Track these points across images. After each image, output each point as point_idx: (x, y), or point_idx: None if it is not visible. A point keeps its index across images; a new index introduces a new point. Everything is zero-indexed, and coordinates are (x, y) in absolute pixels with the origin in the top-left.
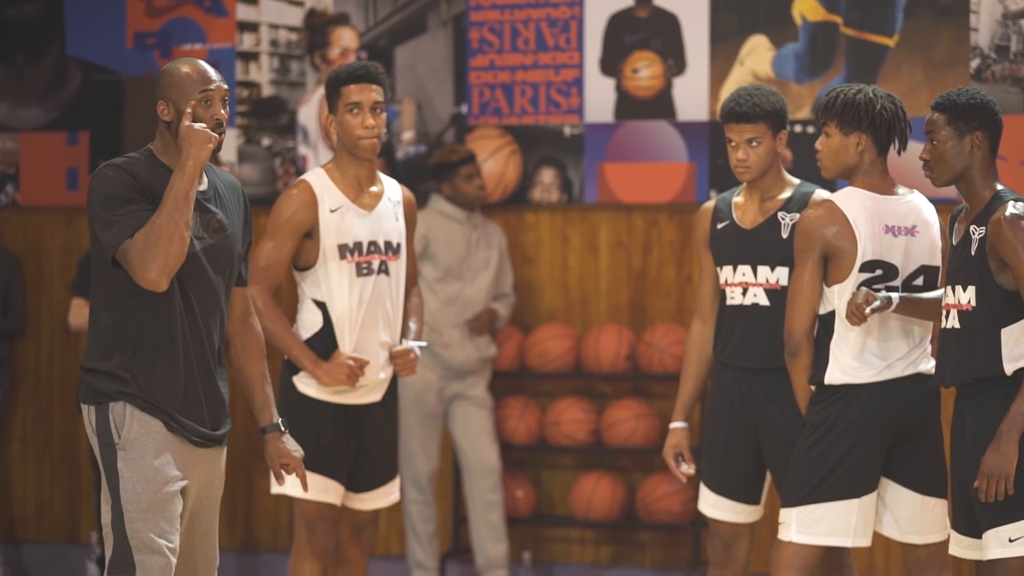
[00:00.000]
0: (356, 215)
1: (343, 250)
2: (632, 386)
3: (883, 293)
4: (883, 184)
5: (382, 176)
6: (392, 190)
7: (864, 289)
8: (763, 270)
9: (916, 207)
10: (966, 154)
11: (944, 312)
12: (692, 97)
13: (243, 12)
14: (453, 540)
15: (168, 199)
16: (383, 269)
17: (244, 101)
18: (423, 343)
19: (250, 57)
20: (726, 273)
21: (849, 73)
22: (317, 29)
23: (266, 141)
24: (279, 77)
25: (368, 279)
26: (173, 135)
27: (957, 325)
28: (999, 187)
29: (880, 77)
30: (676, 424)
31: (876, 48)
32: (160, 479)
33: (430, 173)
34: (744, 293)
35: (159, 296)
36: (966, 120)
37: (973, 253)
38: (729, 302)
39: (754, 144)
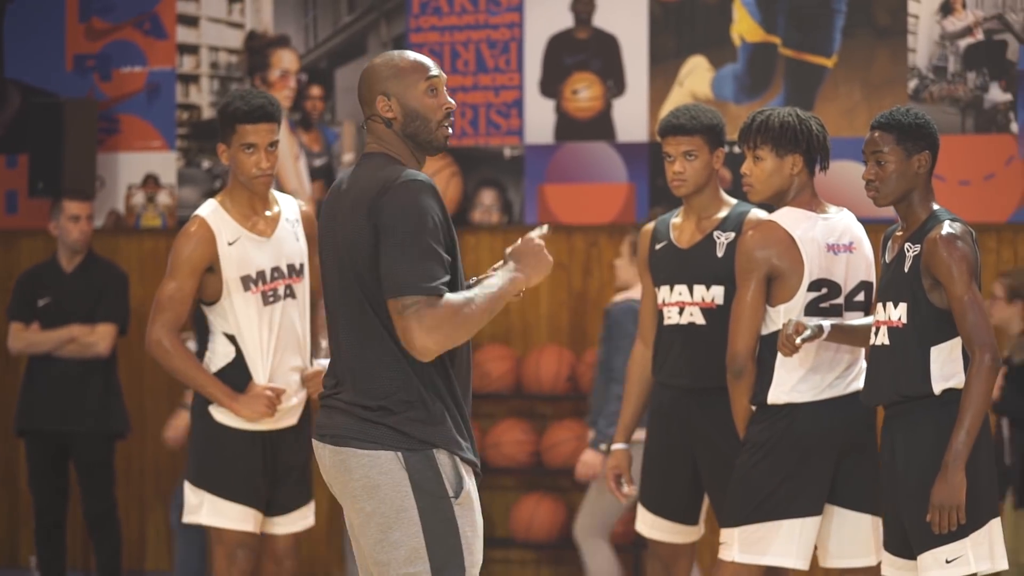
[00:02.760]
0: (255, 244)
1: (246, 281)
2: (573, 407)
3: (814, 322)
4: (816, 203)
5: (277, 195)
6: (289, 209)
7: (793, 320)
8: (699, 289)
9: (848, 225)
10: (912, 174)
11: (874, 329)
12: (632, 118)
13: (183, 35)
14: None
15: (490, 296)
16: (289, 293)
17: (184, 124)
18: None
19: (190, 79)
20: (663, 293)
21: (788, 94)
22: (257, 51)
23: (206, 163)
24: (219, 99)
25: (276, 306)
26: (401, 135)
27: (887, 342)
28: (935, 207)
29: (818, 97)
30: (617, 446)
31: (814, 69)
32: None
33: None
34: (681, 312)
35: None
36: (914, 140)
37: (907, 270)
38: (666, 322)
39: (691, 157)
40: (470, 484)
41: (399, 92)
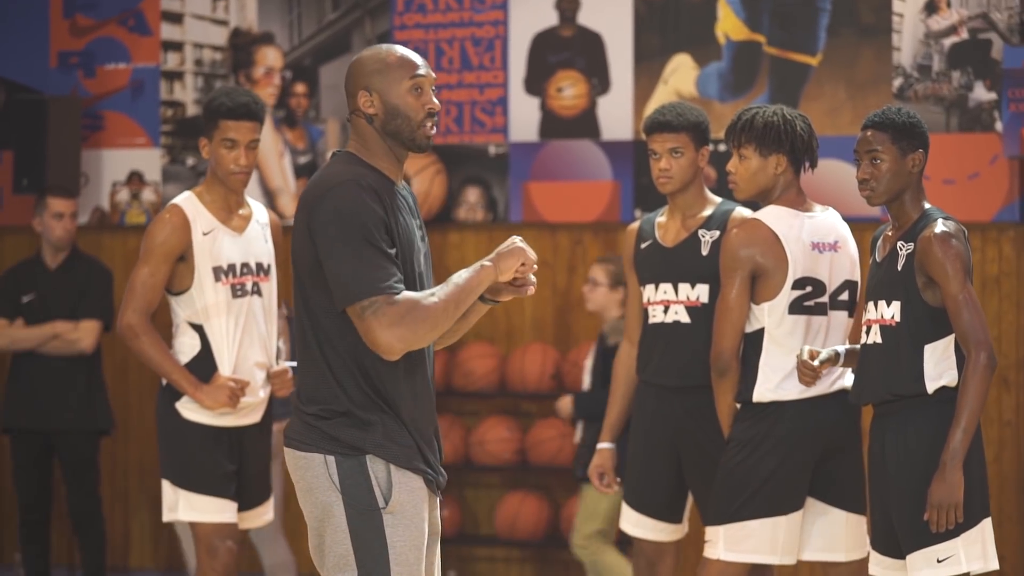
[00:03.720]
0: (228, 237)
1: (217, 272)
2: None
3: (829, 348)
4: (801, 202)
5: (249, 200)
6: (260, 213)
7: (806, 347)
8: (684, 287)
9: (833, 223)
10: (907, 173)
11: (865, 328)
12: (616, 116)
13: (167, 32)
14: None
15: (455, 287)
16: (256, 290)
17: (168, 120)
18: (295, 363)
19: (174, 76)
20: (648, 292)
21: (772, 92)
22: (242, 48)
23: (190, 160)
24: (204, 96)
25: (243, 300)
26: (381, 132)
27: (879, 340)
28: (927, 206)
29: (803, 96)
30: (603, 444)
31: (799, 67)
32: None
33: None
34: (665, 311)
35: None
36: (908, 139)
37: (900, 269)
38: (651, 320)
39: (677, 155)
40: (408, 494)
41: (382, 88)
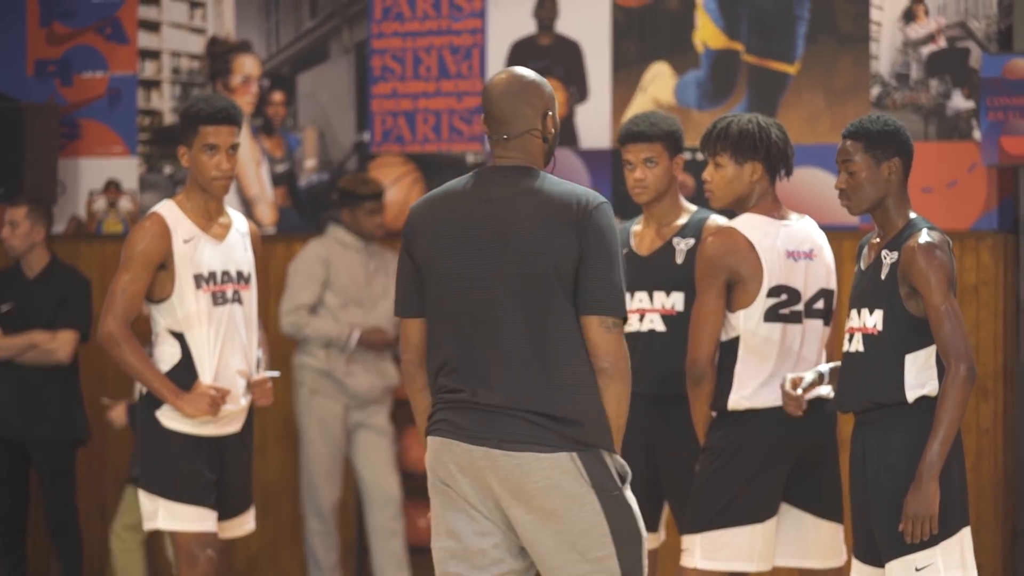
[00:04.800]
0: (209, 245)
1: (198, 280)
2: None
3: (812, 371)
4: (776, 210)
5: (229, 210)
6: (239, 222)
7: (789, 376)
8: (659, 296)
9: (809, 232)
10: (884, 181)
11: (847, 336)
12: (594, 124)
13: (144, 40)
14: (356, 570)
15: None
16: (236, 298)
17: (146, 129)
18: (276, 373)
19: (152, 85)
20: None
21: (751, 100)
22: (219, 57)
23: (168, 169)
24: (181, 105)
25: (224, 308)
26: (548, 153)
27: (861, 348)
28: (912, 215)
29: (781, 104)
30: None
31: (777, 75)
32: None
33: (336, 193)
34: (641, 319)
35: None
36: (883, 147)
37: (883, 277)
38: (626, 329)
39: (651, 164)
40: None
41: (556, 112)
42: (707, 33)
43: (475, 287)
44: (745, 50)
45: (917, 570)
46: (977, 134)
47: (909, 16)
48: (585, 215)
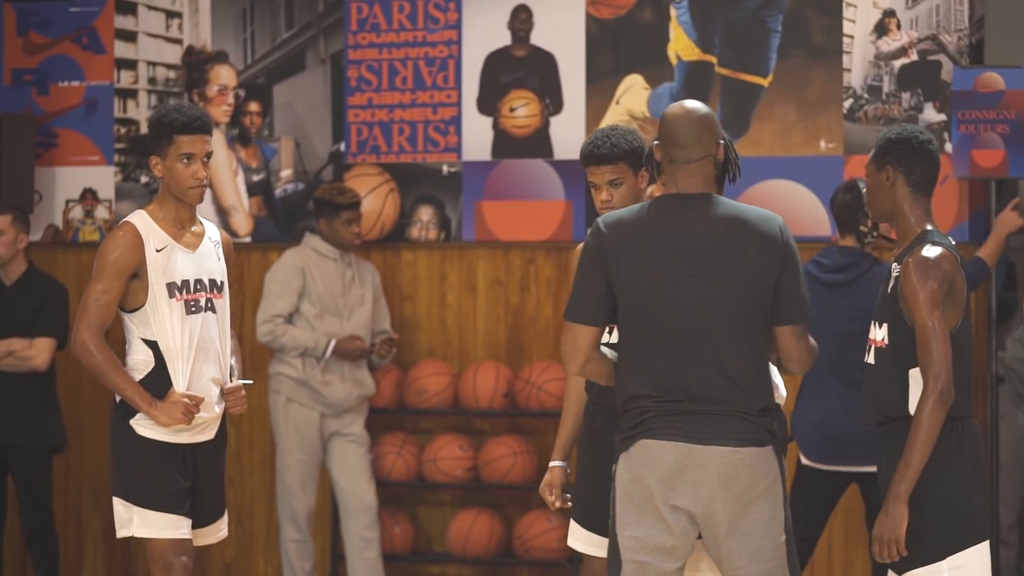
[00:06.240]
0: (182, 254)
1: (171, 288)
2: (510, 423)
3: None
4: None
5: (200, 218)
6: (212, 231)
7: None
8: None
9: None
10: (885, 189)
11: (868, 348)
12: (569, 135)
13: (121, 50)
14: None
15: None
16: (209, 307)
17: (122, 139)
18: (249, 381)
19: (128, 94)
20: None
21: (724, 112)
22: (195, 67)
23: (144, 178)
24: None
25: (197, 316)
26: (712, 178)
27: (872, 361)
28: (928, 227)
29: (754, 117)
30: (555, 463)
31: (750, 88)
32: None
33: (313, 203)
34: (611, 332)
35: None
36: (881, 156)
37: (890, 291)
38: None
39: (616, 184)
40: None
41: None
42: (681, 45)
43: (690, 304)
44: (718, 62)
45: None
46: (948, 147)
47: (881, 29)
48: (786, 238)
